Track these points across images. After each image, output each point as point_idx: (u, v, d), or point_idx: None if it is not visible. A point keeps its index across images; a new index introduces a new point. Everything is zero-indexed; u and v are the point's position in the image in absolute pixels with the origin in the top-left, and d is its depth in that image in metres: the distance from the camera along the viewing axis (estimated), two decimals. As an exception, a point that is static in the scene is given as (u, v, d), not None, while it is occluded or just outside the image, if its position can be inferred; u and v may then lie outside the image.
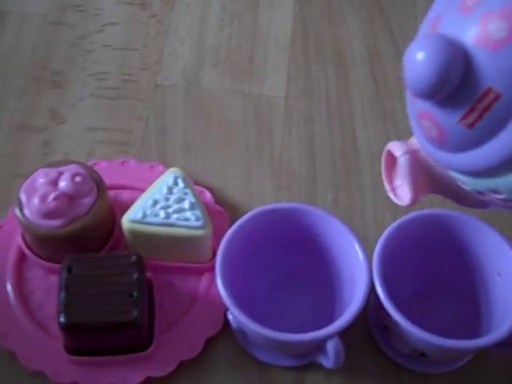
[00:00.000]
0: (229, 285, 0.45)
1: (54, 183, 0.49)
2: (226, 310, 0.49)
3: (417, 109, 0.33)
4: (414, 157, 0.36)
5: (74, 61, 0.64)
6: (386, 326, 0.47)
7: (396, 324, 0.44)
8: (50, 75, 0.63)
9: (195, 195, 0.50)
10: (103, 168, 0.56)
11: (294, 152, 0.59)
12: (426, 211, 0.49)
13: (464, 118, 0.30)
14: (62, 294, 0.45)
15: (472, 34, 0.29)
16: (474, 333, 0.48)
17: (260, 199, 0.56)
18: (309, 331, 0.44)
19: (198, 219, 0.48)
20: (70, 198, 0.48)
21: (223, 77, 0.64)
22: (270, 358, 0.49)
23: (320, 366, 0.47)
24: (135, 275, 0.46)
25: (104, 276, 0.46)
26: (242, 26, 0.67)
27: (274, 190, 0.57)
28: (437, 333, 0.43)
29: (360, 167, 0.58)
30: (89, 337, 0.46)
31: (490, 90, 0.28)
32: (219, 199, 0.56)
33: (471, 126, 0.30)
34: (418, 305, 0.50)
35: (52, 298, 0.50)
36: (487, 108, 0.29)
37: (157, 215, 0.49)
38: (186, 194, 0.50)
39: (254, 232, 0.48)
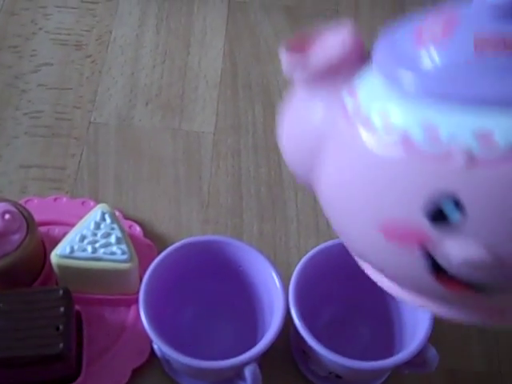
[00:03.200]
0: (153, 315, 0.47)
1: (-17, 221, 0.50)
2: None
3: None
4: None
5: (8, 100, 0.66)
6: (304, 350, 0.50)
7: (311, 348, 0.47)
8: (-15, 115, 0.65)
9: (122, 230, 0.52)
10: (35, 205, 0.58)
11: (221, 185, 0.62)
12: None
13: None
14: (-11, 330, 0.47)
15: None
16: (390, 354, 0.50)
17: (188, 232, 0.58)
18: (232, 358, 0.46)
19: (123, 253, 0.51)
20: (-2, 235, 0.50)
21: (154, 114, 0.66)
22: (195, 385, 0.51)
23: (243, 391, 0.49)
24: (62, 309, 0.48)
25: (31, 310, 0.47)
26: (174, 65, 0.70)
27: (202, 223, 0.59)
28: (355, 355, 0.46)
29: (285, 198, 0.61)
30: (16, 371, 0.47)
31: None
32: (148, 232, 0.58)
33: None
34: (338, 328, 0.53)
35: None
36: None
37: (84, 250, 0.51)
38: (112, 228, 0.52)
39: (178, 264, 0.50)
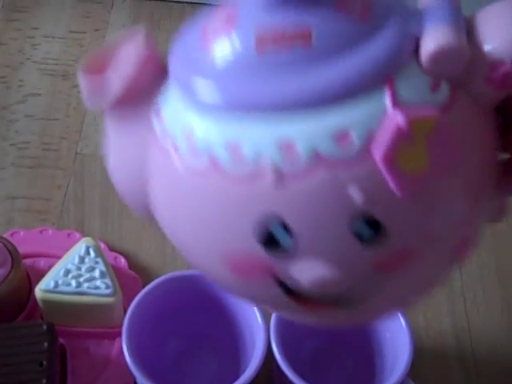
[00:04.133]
0: (136, 350, 0.47)
1: (-32, 256, 0.51)
2: (136, 373, 0.51)
3: None
4: None
5: (-4, 131, 0.67)
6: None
7: (292, 383, 0.47)
8: (-29, 146, 0.66)
9: (106, 264, 0.53)
10: (21, 237, 0.59)
11: (206, 216, 0.62)
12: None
13: None
14: (-29, 367, 0.47)
15: None
16: (371, 387, 0.51)
17: (172, 263, 0.59)
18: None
19: (107, 287, 0.51)
20: (-17, 270, 0.50)
21: (140, 144, 0.67)
22: (177, 419, 0.51)
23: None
24: (45, 344, 0.48)
25: (14, 346, 0.48)
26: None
27: (186, 254, 0.60)
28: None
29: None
30: (0, 407, 0.48)
31: None
32: (134, 264, 0.59)
33: None
34: (321, 360, 0.54)
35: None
36: None
37: (69, 284, 0.51)
38: (97, 262, 0.53)
39: (161, 298, 0.51)
